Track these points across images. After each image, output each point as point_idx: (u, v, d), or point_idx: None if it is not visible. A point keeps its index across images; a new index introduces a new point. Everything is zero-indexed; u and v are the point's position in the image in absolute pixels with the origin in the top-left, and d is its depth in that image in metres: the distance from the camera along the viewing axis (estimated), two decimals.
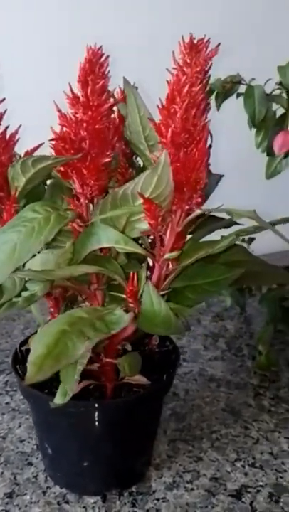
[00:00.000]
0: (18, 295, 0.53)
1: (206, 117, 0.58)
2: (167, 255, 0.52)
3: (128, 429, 0.63)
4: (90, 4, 1.07)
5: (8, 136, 0.58)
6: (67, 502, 0.65)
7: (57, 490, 0.67)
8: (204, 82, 0.61)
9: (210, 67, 0.61)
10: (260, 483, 0.69)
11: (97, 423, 0.60)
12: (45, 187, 0.62)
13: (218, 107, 0.87)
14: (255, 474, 0.70)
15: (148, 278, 0.55)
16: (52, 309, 0.65)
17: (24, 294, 0.52)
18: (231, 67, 0.83)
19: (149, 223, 0.50)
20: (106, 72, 0.55)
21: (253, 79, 0.82)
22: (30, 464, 0.71)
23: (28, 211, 0.52)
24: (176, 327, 0.52)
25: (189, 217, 0.51)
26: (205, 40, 0.50)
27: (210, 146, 0.64)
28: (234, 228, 0.59)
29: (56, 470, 0.67)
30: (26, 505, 0.64)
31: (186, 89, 0.47)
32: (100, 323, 0.47)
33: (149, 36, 1.09)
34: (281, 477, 0.70)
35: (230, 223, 0.67)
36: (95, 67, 0.54)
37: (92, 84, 0.54)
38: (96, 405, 0.58)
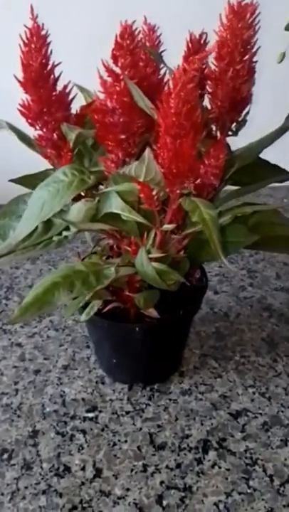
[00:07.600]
0: (54, 236, 0.66)
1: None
2: (164, 227, 0.60)
3: (150, 343, 0.78)
4: None
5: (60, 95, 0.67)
6: (103, 383, 0.85)
7: (99, 372, 0.87)
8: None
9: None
10: (260, 412, 0.79)
11: (122, 333, 0.75)
12: None
13: None
14: (260, 403, 0.81)
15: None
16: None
17: (55, 238, 0.66)
18: None
19: (145, 201, 0.58)
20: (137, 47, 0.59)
21: None
22: (88, 347, 0.91)
23: (59, 173, 0.63)
24: (163, 286, 0.62)
25: (180, 198, 0.57)
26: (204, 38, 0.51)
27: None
28: None
29: (99, 357, 0.87)
30: (74, 378, 0.86)
31: (178, 87, 0.50)
32: (92, 277, 0.59)
33: None
34: (282, 411, 0.79)
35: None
36: (125, 42, 0.59)
37: (123, 58, 0.59)
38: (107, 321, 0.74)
